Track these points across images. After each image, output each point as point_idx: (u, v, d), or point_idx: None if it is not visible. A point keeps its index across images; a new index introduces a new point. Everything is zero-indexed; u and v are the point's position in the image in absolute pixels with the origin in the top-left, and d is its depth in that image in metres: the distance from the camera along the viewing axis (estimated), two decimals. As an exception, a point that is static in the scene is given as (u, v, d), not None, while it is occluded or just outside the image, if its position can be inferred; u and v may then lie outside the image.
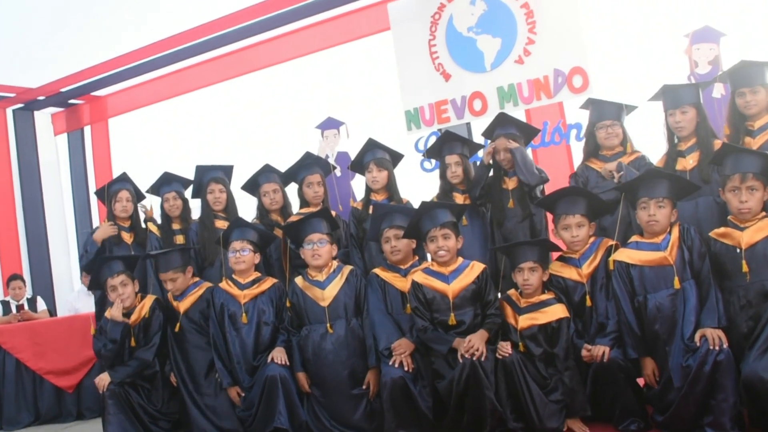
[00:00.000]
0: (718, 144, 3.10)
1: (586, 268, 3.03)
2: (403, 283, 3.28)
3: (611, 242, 3.04)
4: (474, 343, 2.88)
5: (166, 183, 4.32)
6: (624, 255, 2.92)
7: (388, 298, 3.30)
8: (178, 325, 3.66)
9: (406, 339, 3.16)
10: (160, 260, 3.69)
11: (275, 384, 3.25)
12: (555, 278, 3.09)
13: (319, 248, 3.38)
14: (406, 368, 3.05)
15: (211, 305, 3.57)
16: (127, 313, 3.71)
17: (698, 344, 2.62)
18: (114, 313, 3.64)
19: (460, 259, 3.20)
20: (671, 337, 2.75)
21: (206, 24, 5.81)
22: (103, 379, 3.60)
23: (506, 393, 2.89)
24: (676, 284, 2.77)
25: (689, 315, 2.72)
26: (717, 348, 2.56)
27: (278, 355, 3.35)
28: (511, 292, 3.17)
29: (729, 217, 2.81)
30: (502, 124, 3.72)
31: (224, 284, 3.61)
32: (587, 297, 3.00)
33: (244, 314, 3.49)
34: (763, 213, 2.72)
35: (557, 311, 2.99)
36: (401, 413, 3.02)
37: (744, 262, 2.66)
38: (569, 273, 3.07)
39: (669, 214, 2.85)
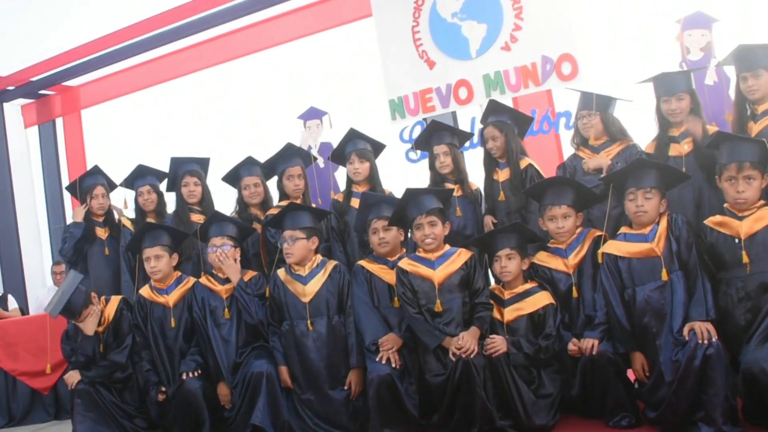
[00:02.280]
0: (712, 130, 3.06)
1: (573, 259, 2.99)
2: (390, 276, 3.18)
3: (598, 233, 2.99)
4: (467, 342, 2.81)
5: (140, 176, 4.20)
6: (612, 247, 2.87)
7: (375, 292, 3.20)
8: (173, 321, 3.49)
9: (394, 334, 3.07)
10: (147, 237, 3.52)
11: (259, 381, 3.17)
12: (540, 268, 3.06)
13: (289, 246, 3.26)
14: (393, 365, 2.97)
15: (194, 300, 3.47)
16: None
17: (687, 338, 2.55)
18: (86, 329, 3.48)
19: (447, 246, 3.13)
20: (661, 331, 2.69)
21: (183, 6, 5.65)
22: (73, 377, 3.47)
23: (493, 390, 2.82)
24: (664, 276, 2.71)
25: (677, 308, 2.66)
26: (705, 342, 2.49)
27: None
28: (494, 286, 3.15)
29: (725, 206, 2.73)
30: (492, 112, 3.64)
31: (204, 280, 3.52)
32: (573, 288, 2.95)
33: (226, 309, 3.41)
34: (762, 201, 2.65)
35: (542, 299, 2.96)
36: (387, 411, 2.94)
37: (744, 252, 2.58)
38: (555, 263, 3.02)
39: (657, 204, 2.78)
